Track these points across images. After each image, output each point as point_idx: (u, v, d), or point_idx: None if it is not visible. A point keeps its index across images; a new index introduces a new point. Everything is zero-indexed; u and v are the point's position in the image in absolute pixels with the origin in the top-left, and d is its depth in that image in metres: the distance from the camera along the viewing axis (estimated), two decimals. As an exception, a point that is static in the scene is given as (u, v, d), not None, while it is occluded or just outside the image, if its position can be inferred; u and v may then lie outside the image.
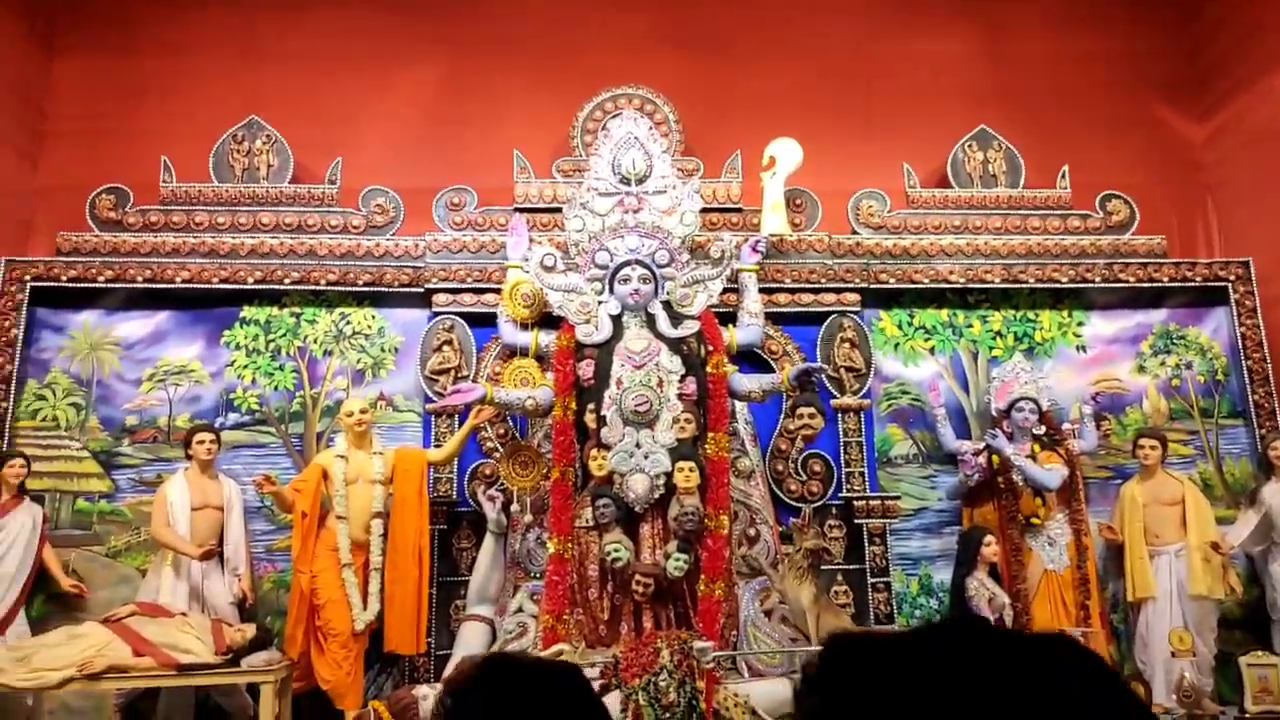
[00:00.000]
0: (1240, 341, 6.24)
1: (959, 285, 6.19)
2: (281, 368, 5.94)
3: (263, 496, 5.46)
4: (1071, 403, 6.12)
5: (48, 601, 5.39)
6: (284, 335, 5.98)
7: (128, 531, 5.62)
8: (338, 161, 6.21)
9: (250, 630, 4.93)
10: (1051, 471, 5.50)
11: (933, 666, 0.85)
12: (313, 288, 5.95)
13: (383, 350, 6.00)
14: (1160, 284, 6.28)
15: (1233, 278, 6.33)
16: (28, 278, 5.81)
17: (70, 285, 5.83)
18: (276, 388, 5.92)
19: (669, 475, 5.07)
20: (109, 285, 5.84)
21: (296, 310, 6.02)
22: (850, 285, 6.06)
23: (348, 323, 6.03)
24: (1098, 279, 6.23)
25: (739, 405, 5.63)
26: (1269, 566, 5.55)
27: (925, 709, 0.82)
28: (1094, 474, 6.01)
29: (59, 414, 5.77)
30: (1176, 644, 5.20)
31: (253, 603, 5.37)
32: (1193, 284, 6.31)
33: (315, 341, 5.98)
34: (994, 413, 5.85)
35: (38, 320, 5.86)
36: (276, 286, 5.93)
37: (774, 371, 5.74)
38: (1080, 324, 6.35)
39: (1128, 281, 6.25)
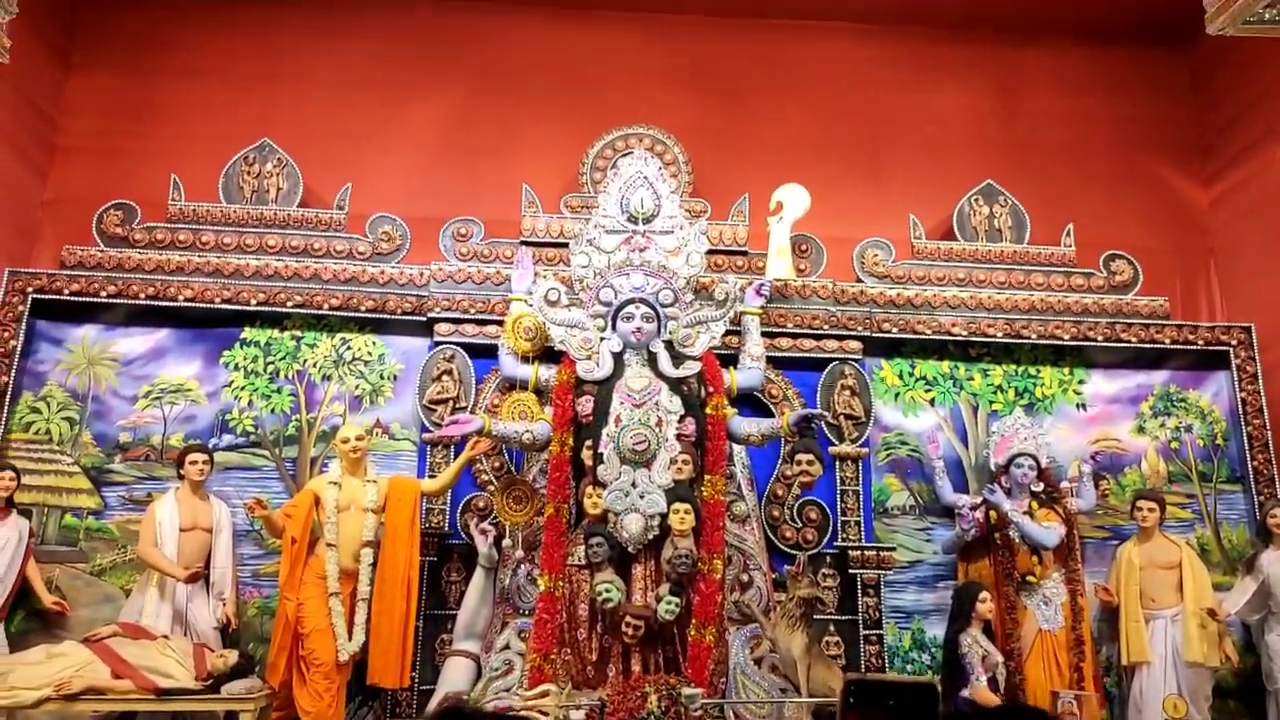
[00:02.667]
0: (1240, 406, 6.23)
1: (961, 338, 6.19)
2: (279, 390, 5.91)
3: (253, 520, 5.40)
4: (1070, 461, 6.10)
5: (28, 618, 5.30)
6: (283, 358, 5.96)
7: (114, 550, 5.55)
8: (347, 187, 6.23)
9: (232, 656, 4.85)
10: (1049, 530, 5.46)
11: None
12: (315, 312, 5.94)
13: (382, 377, 5.98)
14: (1162, 345, 6.28)
15: (1234, 342, 6.33)
16: (30, 289, 5.79)
17: (72, 299, 5.80)
18: (273, 410, 5.88)
19: (664, 516, 5.01)
20: (111, 300, 5.82)
21: (298, 334, 6.00)
22: (853, 333, 6.06)
23: (348, 348, 6.01)
24: (1100, 338, 6.24)
25: (737, 449, 5.60)
26: (1265, 636, 5.49)
27: None
28: (1091, 534, 5.97)
29: (52, 428, 5.73)
30: (1171, 711, 5.12)
31: (236, 628, 5.30)
32: (1194, 347, 6.32)
33: (314, 365, 5.96)
34: (992, 467, 5.82)
35: (37, 332, 5.83)
36: (279, 309, 5.92)
37: (773, 416, 5.71)
38: (1081, 382, 6.34)
39: (1129, 341, 6.25)
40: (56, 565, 5.46)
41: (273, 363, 5.94)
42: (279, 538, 5.17)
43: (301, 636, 4.93)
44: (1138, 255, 6.46)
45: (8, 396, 5.63)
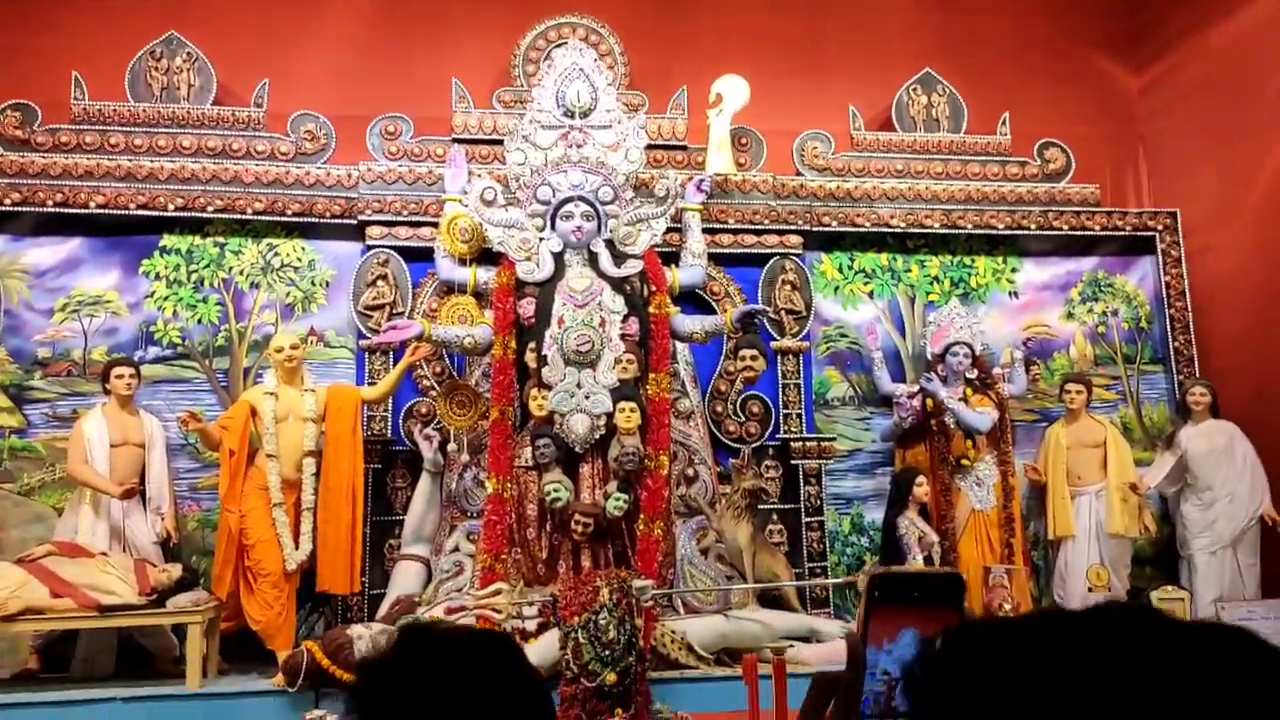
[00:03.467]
0: (1164, 290, 6.42)
1: (899, 229, 6.23)
2: (205, 300, 5.69)
3: (187, 434, 5.26)
4: (1003, 347, 6.26)
5: (-44, 541, 5.14)
6: (207, 266, 5.71)
7: (41, 469, 5.36)
8: (264, 83, 5.90)
9: (175, 570, 4.77)
10: (982, 414, 5.63)
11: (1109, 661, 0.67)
12: (238, 216, 5.68)
13: (313, 284, 5.79)
14: (1092, 232, 6.40)
15: (1160, 228, 6.49)
16: (-76, 198, 5.42)
17: (-28, 208, 5.46)
18: (200, 321, 5.67)
19: (610, 416, 5.04)
20: (16, 210, 5.48)
21: (221, 240, 5.75)
22: (793, 227, 6.04)
23: (276, 254, 5.78)
24: (1033, 226, 6.33)
25: (680, 346, 5.60)
26: (1181, 506, 5.79)
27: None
28: (1021, 417, 6.17)
29: (-37, 345, 5.44)
30: (1094, 580, 5.42)
31: (177, 542, 5.22)
32: (1122, 233, 6.46)
33: (241, 273, 5.74)
34: (929, 357, 5.93)
35: (-63, 245, 5.49)
36: (199, 214, 5.65)
37: (715, 313, 5.71)
38: (1014, 270, 6.45)
39: (1061, 229, 6.36)
40: (-19, 487, 5.27)
41: (196, 271, 5.70)
42: (215, 450, 5.05)
43: (246, 548, 4.89)
44: (1070, 143, 6.52)
45: (-90, 314, 5.32)
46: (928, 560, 5.28)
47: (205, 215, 5.65)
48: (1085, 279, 6.50)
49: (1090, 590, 5.43)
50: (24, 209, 5.49)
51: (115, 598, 4.53)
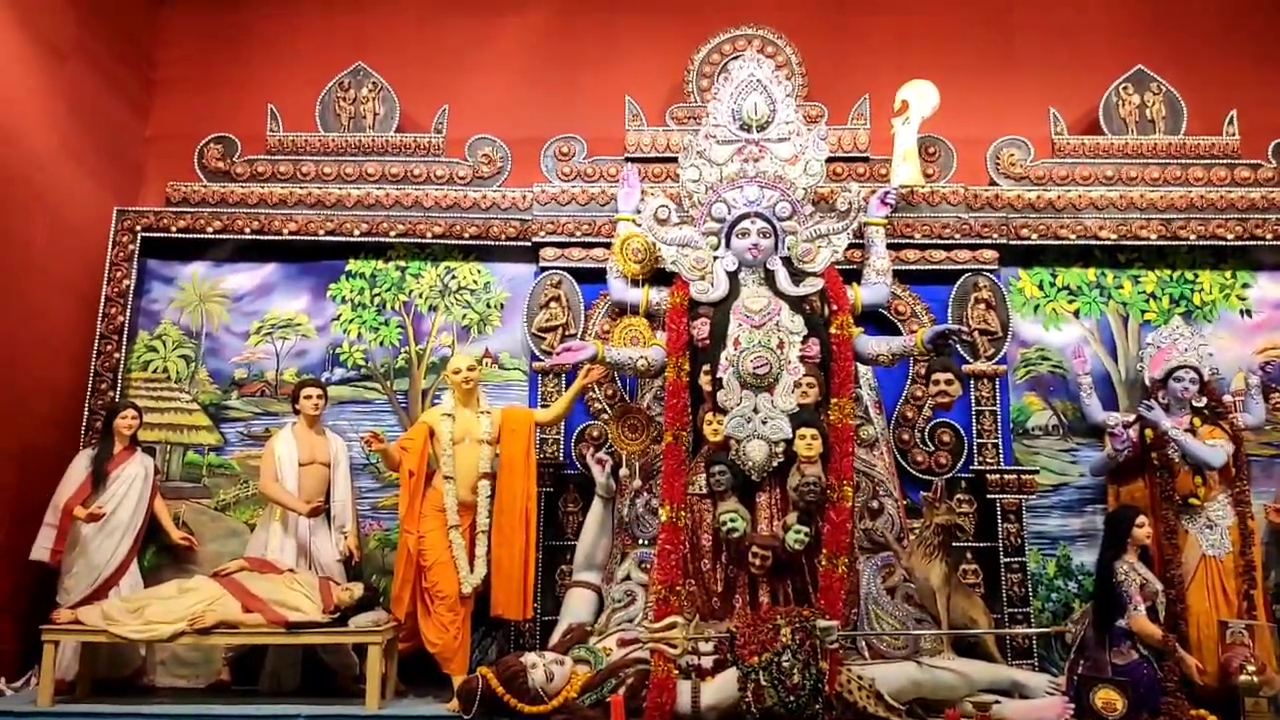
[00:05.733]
0: None
1: (1110, 242, 5.65)
2: (387, 323, 5.81)
3: (369, 454, 5.36)
4: (1234, 372, 5.56)
5: (159, 553, 5.40)
6: (389, 289, 5.84)
7: (236, 485, 5.59)
8: (444, 109, 6.00)
9: (357, 589, 4.83)
10: (1215, 448, 4.99)
11: None
12: (418, 240, 5.79)
13: (488, 305, 5.81)
14: (1338, 242, 5.62)
15: None
16: (139, 228, 5.78)
17: (180, 236, 5.79)
18: (382, 343, 5.79)
19: (789, 442, 4.78)
20: (217, 236, 5.78)
21: (402, 264, 5.87)
22: (987, 241, 5.59)
23: (453, 277, 5.85)
24: (1268, 235, 5.61)
25: (862, 370, 5.27)
26: None
27: None
28: (1258, 451, 5.45)
29: (169, 366, 5.76)
30: (1357, 643, 4.67)
31: (359, 561, 5.30)
32: (1374, 242, 5.63)
33: (420, 296, 5.83)
34: (1148, 382, 5.34)
35: (149, 271, 5.84)
36: (382, 239, 5.79)
37: (900, 334, 5.34)
38: (1245, 285, 5.74)
39: (1301, 239, 5.61)
40: (182, 501, 5.53)
41: (379, 294, 5.83)
42: (396, 471, 5.10)
43: (424, 569, 4.88)
44: (1311, 142, 5.76)
45: (124, 335, 5.67)
46: (1151, 611, 4.67)
47: (388, 240, 5.79)
48: (1331, 294, 5.70)
49: (1352, 654, 4.68)
50: (224, 236, 5.78)
51: (301, 614, 4.62)
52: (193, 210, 5.81)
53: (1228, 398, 5.36)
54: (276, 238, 5.76)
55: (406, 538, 4.92)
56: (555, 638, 4.89)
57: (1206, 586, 4.97)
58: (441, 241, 5.78)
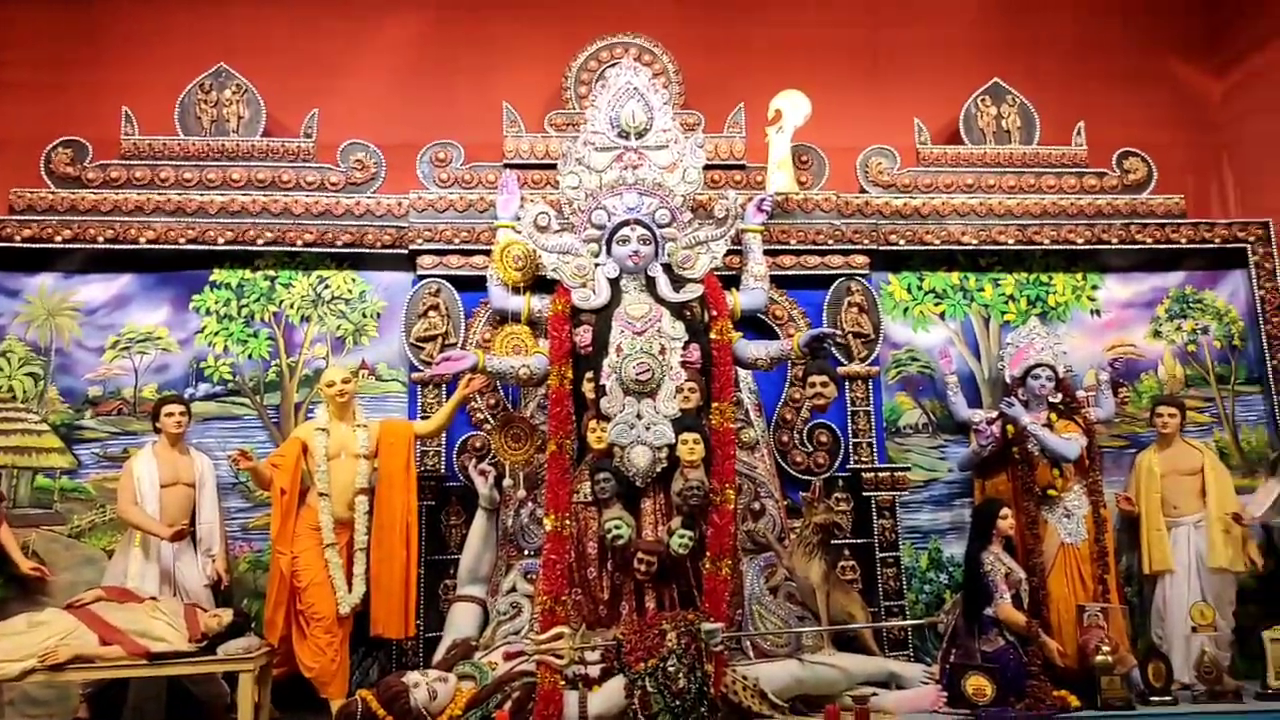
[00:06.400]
0: (1259, 305, 6.02)
1: (971, 247, 5.92)
2: (256, 334, 5.58)
3: (238, 472, 5.13)
4: (1086, 369, 5.89)
5: (6, 585, 5.03)
6: (257, 300, 5.61)
7: (92, 510, 5.26)
8: (314, 113, 5.81)
9: (226, 615, 4.61)
10: (1070, 441, 5.27)
11: None
12: (288, 249, 5.58)
13: (364, 315, 5.65)
14: (1178, 245, 6.03)
15: (1252, 239, 6.09)
16: (-22, 238, 5.39)
17: (25, 245, 5.42)
18: (250, 356, 5.56)
19: (672, 448, 4.81)
20: (67, 246, 5.44)
21: (271, 273, 5.65)
22: (859, 247, 5.77)
23: (326, 286, 5.67)
24: (1114, 240, 5.98)
25: (743, 373, 5.36)
26: (1290, 538, 5.36)
27: None
28: (1108, 443, 5.78)
29: (15, 384, 5.38)
30: (1199, 619, 5.01)
31: (228, 585, 5.06)
32: (1210, 245, 6.07)
33: (292, 306, 5.63)
34: (1008, 380, 5.60)
35: (-10, 283, 5.45)
36: (249, 247, 5.56)
37: (778, 338, 5.46)
38: (1095, 287, 6.10)
39: (1145, 243, 6.00)
40: (32, 529, 5.18)
41: (246, 305, 5.60)
42: (267, 490, 4.90)
43: (298, 591, 4.71)
44: (1151, 152, 6.17)
45: (-36, 354, 5.28)
46: (1016, 599, 4.91)
47: (255, 248, 5.56)
48: (1172, 295, 6.12)
49: (1194, 630, 5.02)
50: (75, 245, 5.44)
51: (165, 644, 4.37)
52: (39, 218, 5.44)
53: (1081, 393, 5.65)
54: (133, 247, 5.46)
55: (279, 558, 4.74)
56: (439, 654, 4.78)
57: (1065, 573, 5.23)
58: (313, 249, 5.59)
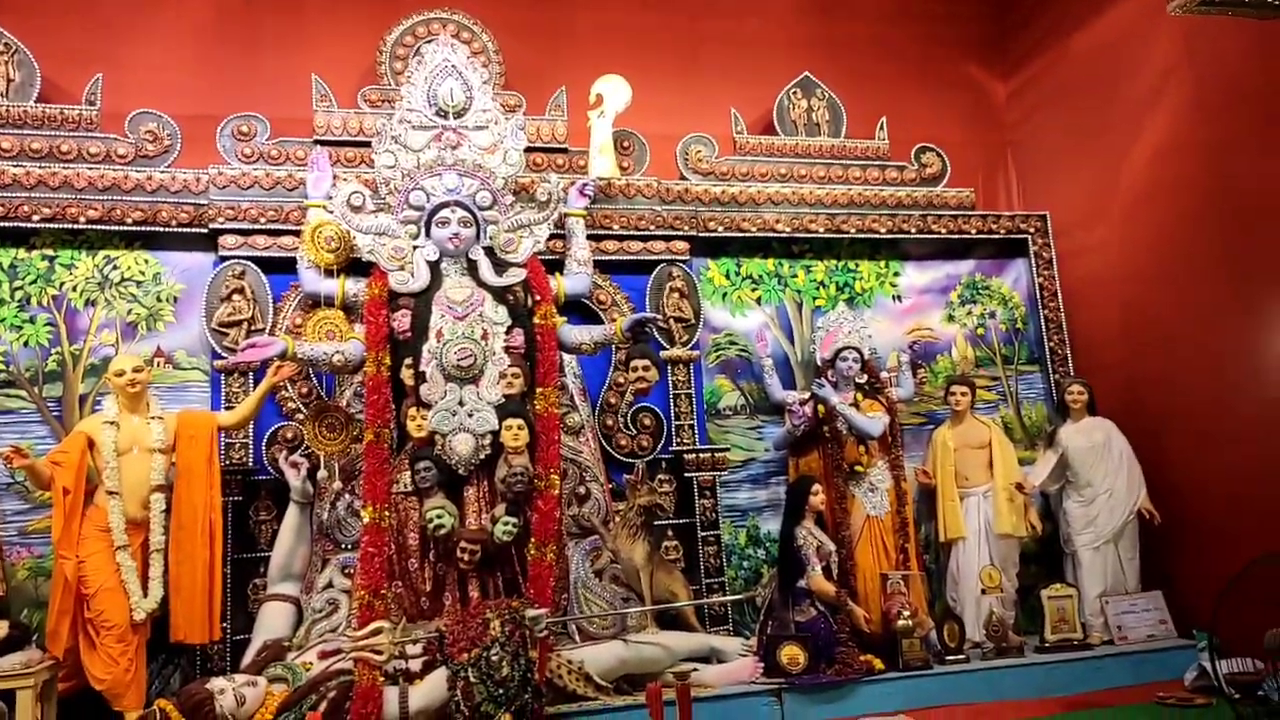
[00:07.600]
0: (1038, 292, 6.57)
1: (784, 235, 6.15)
2: (33, 320, 5.07)
3: (13, 471, 4.65)
4: (889, 351, 6.26)
5: None
6: (34, 282, 5.10)
7: None
8: (97, 78, 5.32)
9: (2, 627, 4.21)
10: (874, 419, 5.58)
11: None
12: (70, 225, 5.08)
13: (159, 299, 5.24)
14: (968, 235, 6.49)
15: (1031, 230, 6.64)
16: None
17: None
18: (27, 343, 5.04)
19: (495, 434, 4.75)
20: None
21: (50, 252, 5.14)
22: (679, 233, 5.88)
23: (114, 267, 5.21)
24: (912, 230, 6.37)
25: (567, 358, 5.36)
26: (1064, 503, 5.89)
27: None
28: (909, 420, 6.17)
29: None
30: (987, 581, 5.44)
31: (4, 595, 4.59)
32: (996, 236, 6.57)
33: (74, 289, 5.14)
34: (819, 362, 5.86)
35: None
36: (23, 224, 5.02)
37: (603, 323, 5.48)
38: (896, 274, 6.48)
39: (939, 233, 6.42)
40: None
41: (21, 288, 5.07)
42: (48, 490, 4.47)
43: (86, 598, 4.34)
44: (945, 148, 6.61)
45: None
46: (826, 571, 5.17)
47: (30, 225, 5.03)
48: (964, 282, 6.59)
49: (984, 592, 5.44)
50: None
51: (-75, 665, 3.93)
52: None
53: (884, 374, 6.01)
54: (-120, 221, 4.84)
55: (64, 564, 4.34)
56: (248, 658, 4.53)
57: (871, 544, 5.55)
58: (98, 227, 5.12)
